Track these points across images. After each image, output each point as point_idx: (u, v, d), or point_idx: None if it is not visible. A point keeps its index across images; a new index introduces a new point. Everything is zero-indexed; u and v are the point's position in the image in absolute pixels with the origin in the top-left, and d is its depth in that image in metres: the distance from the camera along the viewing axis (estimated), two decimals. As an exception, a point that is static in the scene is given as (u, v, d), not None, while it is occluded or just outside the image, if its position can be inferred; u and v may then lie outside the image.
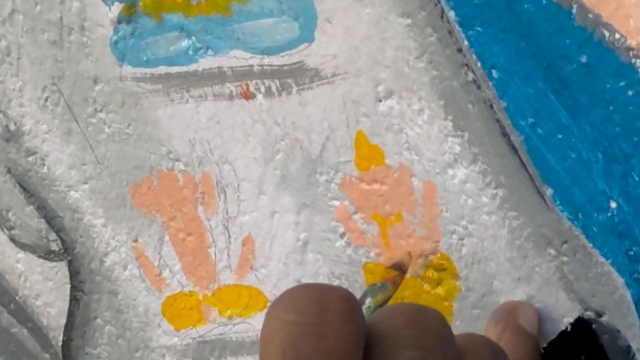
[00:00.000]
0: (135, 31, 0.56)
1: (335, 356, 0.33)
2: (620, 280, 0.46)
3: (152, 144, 0.58)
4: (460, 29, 0.45)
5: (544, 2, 0.43)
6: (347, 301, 0.34)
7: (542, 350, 0.50)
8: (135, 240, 0.63)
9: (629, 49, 0.42)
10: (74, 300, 0.67)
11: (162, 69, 0.56)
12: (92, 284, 0.66)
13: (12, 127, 0.65)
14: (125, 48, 0.57)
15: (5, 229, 0.70)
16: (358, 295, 0.50)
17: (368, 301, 0.48)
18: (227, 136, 0.55)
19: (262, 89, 0.52)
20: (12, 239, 0.70)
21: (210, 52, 0.53)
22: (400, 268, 0.49)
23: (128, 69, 0.57)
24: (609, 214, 0.45)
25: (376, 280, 0.48)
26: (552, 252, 0.47)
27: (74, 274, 0.66)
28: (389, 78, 0.48)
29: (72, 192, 0.64)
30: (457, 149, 0.47)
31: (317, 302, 0.34)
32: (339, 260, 0.54)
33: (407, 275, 0.51)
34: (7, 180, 0.68)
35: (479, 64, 0.45)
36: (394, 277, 0.49)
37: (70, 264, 0.67)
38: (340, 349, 0.33)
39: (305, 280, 0.56)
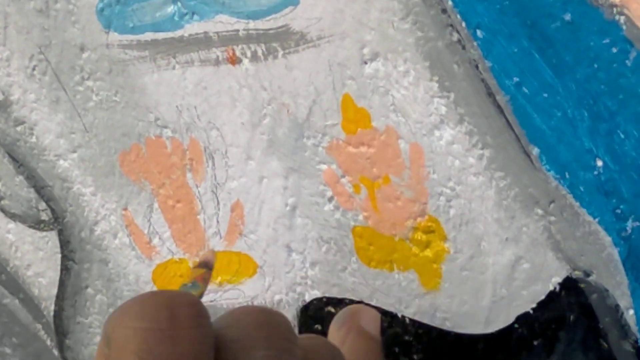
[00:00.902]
0: (120, -3, 0.56)
1: (189, 358, 0.35)
2: (608, 239, 0.46)
3: (140, 111, 0.58)
4: (444, -12, 0.45)
5: (527, -40, 0.43)
6: (195, 306, 0.36)
7: (531, 311, 0.50)
8: (125, 209, 0.63)
9: (613, 5, 0.42)
10: (64, 269, 0.67)
11: (149, 36, 0.56)
12: (82, 253, 0.66)
13: (0, 97, 0.65)
14: (112, 15, 0.57)
15: (-6, 199, 0.71)
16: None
17: None
18: (214, 102, 0.55)
19: (248, 53, 0.52)
20: (2, 209, 0.70)
21: (195, 17, 0.53)
22: (206, 265, 0.50)
23: (114, 36, 0.57)
24: (595, 173, 0.45)
25: (188, 280, 0.49)
26: (540, 212, 0.47)
27: (64, 243, 0.66)
28: (374, 40, 0.48)
29: (61, 161, 0.64)
30: (443, 110, 0.47)
31: (166, 308, 0.35)
32: (327, 224, 0.54)
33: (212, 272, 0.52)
34: (-4, 151, 0.68)
35: (463, 24, 0.45)
36: (203, 275, 0.50)
37: (60, 233, 0.67)
38: (193, 351, 0.35)
39: (294, 246, 0.56)
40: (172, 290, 0.37)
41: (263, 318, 0.39)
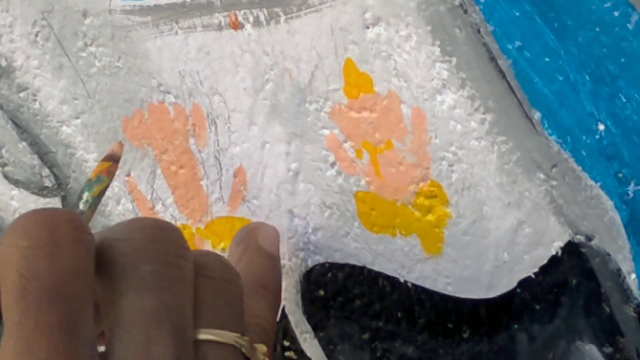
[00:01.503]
0: (122, -38, 0.56)
1: (68, 272, 0.38)
2: (610, 203, 0.47)
3: (143, 77, 0.59)
4: (446, -48, 0.46)
5: None
6: (73, 222, 0.39)
7: (533, 276, 0.50)
8: (128, 175, 0.64)
9: (614, -32, 0.42)
10: (68, 235, 0.68)
11: (151, 1, 0.56)
12: (86, 219, 0.66)
13: (3, 64, 0.65)
14: (114, -20, 0.57)
15: (-2, 166, 0.71)
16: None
17: (85, 195, 0.49)
18: (216, 67, 0.55)
19: (251, 18, 0.52)
20: (6, 176, 0.71)
21: (198, -18, 0.54)
22: (112, 158, 0.52)
23: (117, 2, 0.58)
24: (597, 137, 0.45)
25: (93, 175, 0.51)
26: (542, 176, 0.47)
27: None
28: (376, 5, 0.48)
29: (64, 127, 0.65)
30: (445, 74, 0.47)
31: (46, 225, 0.38)
32: (330, 189, 0.55)
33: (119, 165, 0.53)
34: (0, 117, 0.68)
35: (465, -12, 0.45)
36: (109, 168, 0.51)
37: (63, 199, 0.67)
38: (71, 266, 0.38)
39: (297, 211, 0.57)
40: (54, 208, 0.40)
41: (153, 233, 0.41)
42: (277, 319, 0.54)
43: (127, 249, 0.40)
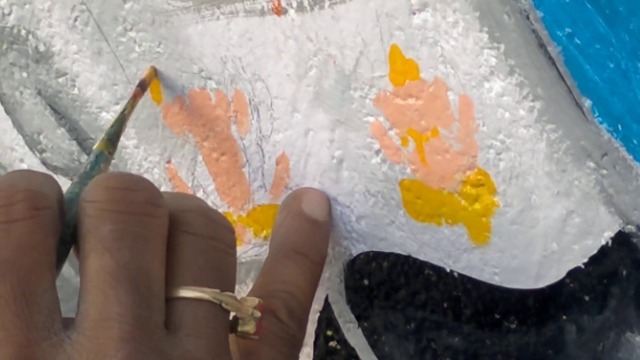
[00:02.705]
0: (163, -53, 0.57)
1: (22, 247, 0.40)
2: (661, 193, 0.47)
3: (184, 63, 0.59)
4: (494, -63, 0.46)
5: None
6: (30, 199, 0.41)
7: (582, 266, 0.51)
8: (169, 161, 0.65)
9: (668, -46, 0.42)
10: (108, 223, 0.68)
11: (192, -14, 0.57)
12: (126, 206, 0.67)
13: (42, 48, 0.66)
14: (154, -35, 0.58)
15: (37, 152, 0.72)
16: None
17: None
18: (259, 53, 0.56)
19: (294, 3, 0.53)
20: (44, 162, 0.72)
21: (240, -34, 0.54)
22: (141, 85, 0.55)
23: (157, -14, 0.58)
24: (649, 125, 0.46)
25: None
26: (592, 165, 0.48)
27: (107, 196, 0.68)
28: (423, -10, 0.48)
29: (104, 113, 0.66)
30: (493, 61, 0.47)
31: (2, 204, 0.41)
32: (374, 177, 0.55)
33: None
34: (38, 103, 0.69)
35: (514, -26, 0.46)
36: (135, 93, 0.55)
37: (103, 186, 0.68)
38: (27, 241, 0.40)
39: (341, 199, 0.57)
40: (9, 187, 0.42)
41: (117, 193, 0.43)
42: (316, 285, 0.54)
43: (92, 210, 0.42)
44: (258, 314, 0.45)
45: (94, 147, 0.52)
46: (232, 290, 0.45)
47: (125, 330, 0.39)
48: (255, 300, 0.45)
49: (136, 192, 0.43)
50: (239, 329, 0.45)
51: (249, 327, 0.45)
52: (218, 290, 0.43)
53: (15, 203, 0.41)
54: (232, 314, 0.45)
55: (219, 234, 0.45)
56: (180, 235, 0.44)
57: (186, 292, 0.42)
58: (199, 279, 0.43)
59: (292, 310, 0.51)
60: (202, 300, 0.42)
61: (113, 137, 0.53)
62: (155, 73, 0.59)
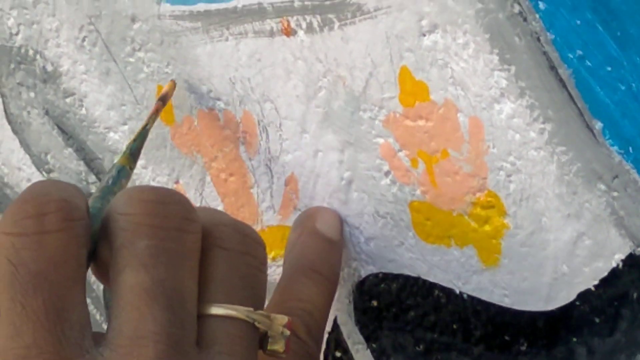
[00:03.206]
0: (172, -33, 0.57)
1: (54, 258, 0.39)
2: (672, 216, 0.47)
3: (192, 83, 0.60)
4: (505, -41, 0.46)
5: None
6: (63, 210, 0.40)
7: (593, 288, 0.51)
8: (177, 182, 0.65)
9: (679, -23, 0.42)
10: (115, 243, 0.69)
11: (201, 6, 0.57)
12: (133, 226, 0.67)
13: (50, 68, 0.66)
14: (163, -15, 0.58)
15: (44, 172, 0.72)
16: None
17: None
18: (268, 74, 0.56)
19: (304, 25, 0.53)
20: (52, 182, 0.72)
21: (249, -13, 0.55)
22: (162, 99, 0.55)
23: (166, 7, 0.58)
24: (660, 148, 0.46)
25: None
26: (602, 187, 0.48)
27: (115, 216, 0.68)
28: (433, 11, 0.48)
29: (111, 134, 0.66)
30: (504, 83, 0.48)
31: (35, 214, 0.40)
32: (384, 198, 0.55)
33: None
34: (45, 123, 0.69)
35: (525, -4, 0.46)
36: (156, 107, 0.55)
37: (111, 206, 0.68)
38: (58, 252, 0.40)
39: (350, 221, 0.58)
40: (42, 196, 0.41)
41: (152, 207, 0.42)
42: (331, 304, 0.54)
43: (126, 223, 0.42)
44: (288, 332, 0.45)
45: (115, 161, 0.52)
46: (262, 307, 0.44)
47: (160, 350, 0.39)
48: (285, 319, 0.45)
49: (171, 205, 0.43)
50: (269, 347, 0.45)
51: (279, 346, 0.44)
52: (251, 309, 0.43)
53: (48, 213, 0.40)
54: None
55: (251, 250, 0.45)
56: (214, 250, 0.44)
57: (219, 310, 0.42)
58: (231, 295, 0.43)
59: (310, 328, 0.51)
60: (235, 318, 0.42)
61: (135, 151, 0.53)
62: (175, 87, 0.59)
